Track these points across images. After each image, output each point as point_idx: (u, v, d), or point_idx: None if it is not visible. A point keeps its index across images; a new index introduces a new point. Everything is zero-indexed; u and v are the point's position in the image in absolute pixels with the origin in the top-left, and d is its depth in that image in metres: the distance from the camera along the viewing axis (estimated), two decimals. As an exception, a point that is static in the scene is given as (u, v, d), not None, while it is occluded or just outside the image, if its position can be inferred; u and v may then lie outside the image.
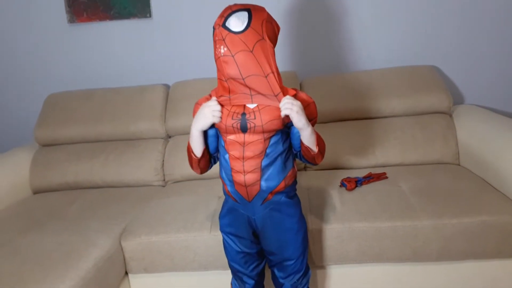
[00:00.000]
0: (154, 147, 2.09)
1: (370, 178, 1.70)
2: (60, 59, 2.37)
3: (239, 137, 1.12)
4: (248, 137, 1.12)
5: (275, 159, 1.15)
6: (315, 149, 1.14)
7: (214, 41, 1.07)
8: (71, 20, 2.28)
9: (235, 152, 1.14)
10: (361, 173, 1.80)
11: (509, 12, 2.12)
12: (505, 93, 2.24)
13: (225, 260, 1.43)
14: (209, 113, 1.10)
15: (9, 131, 2.51)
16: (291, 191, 1.23)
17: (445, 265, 1.45)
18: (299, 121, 1.06)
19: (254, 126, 1.09)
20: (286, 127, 1.15)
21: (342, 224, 1.45)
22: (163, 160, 2.06)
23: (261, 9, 1.08)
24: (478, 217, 1.39)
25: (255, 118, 1.09)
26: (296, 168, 1.24)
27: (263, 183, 1.15)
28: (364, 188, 1.65)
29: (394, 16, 2.17)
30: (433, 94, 1.99)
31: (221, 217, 1.29)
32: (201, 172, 1.25)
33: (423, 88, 2.01)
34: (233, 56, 1.04)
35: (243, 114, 1.09)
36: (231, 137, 1.13)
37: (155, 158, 2.05)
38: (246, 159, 1.13)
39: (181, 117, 2.09)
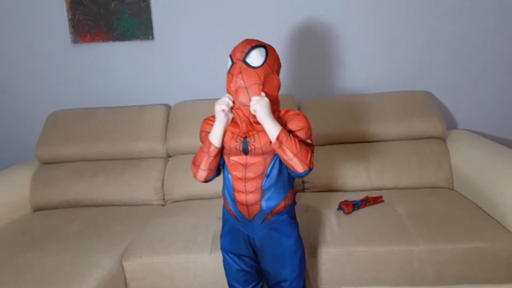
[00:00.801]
0: (154, 166, 2.12)
1: (367, 202, 1.75)
2: (63, 78, 2.41)
3: (241, 158, 1.21)
4: (249, 159, 1.20)
5: (276, 180, 1.22)
6: (273, 140, 1.14)
7: (231, 73, 1.17)
8: (75, 41, 2.33)
9: (237, 173, 1.21)
10: (357, 196, 1.84)
11: (501, 39, 2.20)
12: (496, 119, 2.31)
13: (224, 282, 1.46)
14: (216, 106, 1.17)
15: (10, 147, 2.53)
16: (290, 211, 1.28)
17: (439, 289, 1.48)
18: (259, 112, 1.12)
19: (254, 148, 1.18)
20: None
21: (340, 247, 1.48)
22: (163, 180, 2.09)
23: (273, 48, 1.21)
24: (472, 243, 1.44)
25: (254, 141, 1.18)
26: (295, 189, 1.29)
27: (263, 203, 1.22)
28: (361, 211, 1.69)
29: (389, 43, 2.25)
30: (427, 119, 2.05)
31: (222, 235, 1.33)
32: (206, 178, 1.25)
33: (418, 113, 2.07)
34: (247, 88, 1.14)
35: (245, 137, 1.18)
36: (234, 158, 1.22)
37: (155, 178, 2.08)
38: (248, 179, 1.21)
39: (182, 137, 2.13)
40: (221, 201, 1.88)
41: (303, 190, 2.03)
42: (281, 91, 2.23)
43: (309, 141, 1.20)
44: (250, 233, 1.26)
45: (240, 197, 1.22)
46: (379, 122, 2.06)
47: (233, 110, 1.18)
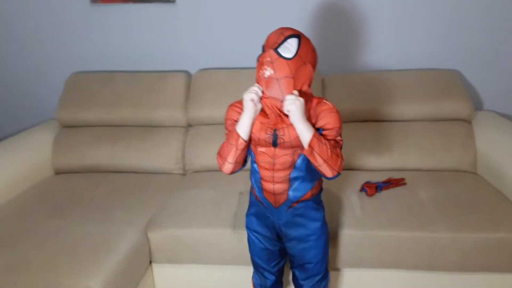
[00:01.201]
0: (174, 135, 2.11)
1: (389, 184, 1.74)
2: (82, 38, 2.35)
3: (270, 150, 1.18)
4: (278, 151, 1.17)
5: (304, 171, 1.20)
6: (305, 146, 1.11)
7: (261, 62, 1.10)
8: (94, 0, 2.25)
9: (265, 163, 1.19)
10: (379, 177, 1.84)
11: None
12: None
13: (247, 257, 1.49)
14: (245, 97, 1.11)
15: (29, 107, 2.53)
16: (316, 199, 1.28)
17: (460, 275, 1.51)
18: (293, 114, 1.08)
19: (284, 142, 1.15)
20: None
21: (362, 231, 1.49)
22: (184, 149, 2.09)
23: (307, 39, 1.14)
24: (496, 233, 1.44)
25: (284, 134, 1.14)
26: (322, 178, 1.27)
27: (290, 193, 1.21)
28: (384, 194, 1.69)
29: (418, 18, 2.16)
30: (454, 101, 2.00)
31: (248, 215, 1.34)
32: (233, 171, 1.21)
33: (444, 94, 2.02)
34: (278, 80, 1.09)
35: (275, 130, 1.14)
36: (261, 149, 1.19)
37: (175, 147, 2.08)
38: (276, 170, 1.19)
39: (203, 107, 2.11)
40: (241, 174, 1.90)
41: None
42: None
43: (338, 138, 1.17)
44: (275, 219, 1.26)
45: (268, 186, 1.21)
46: (404, 101, 2.02)
47: (262, 100, 1.13)
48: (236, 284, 1.60)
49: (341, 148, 1.17)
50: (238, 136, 1.15)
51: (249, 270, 1.55)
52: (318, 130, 1.14)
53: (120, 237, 1.47)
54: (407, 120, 2.04)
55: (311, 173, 1.20)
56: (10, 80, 2.49)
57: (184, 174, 2.08)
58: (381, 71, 2.19)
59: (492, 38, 2.16)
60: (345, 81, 2.12)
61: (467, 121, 2.04)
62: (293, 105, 1.06)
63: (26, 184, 1.95)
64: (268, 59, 1.08)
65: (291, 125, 1.12)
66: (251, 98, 1.10)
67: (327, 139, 1.13)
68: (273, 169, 1.18)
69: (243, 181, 1.86)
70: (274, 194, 1.21)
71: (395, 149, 1.95)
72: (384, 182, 1.76)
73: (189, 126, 2.18)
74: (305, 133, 1.09)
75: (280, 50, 1.08)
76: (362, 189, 1.71)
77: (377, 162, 1.95)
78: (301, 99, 1.08)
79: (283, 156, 1.17)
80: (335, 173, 1.13)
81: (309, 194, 1.23)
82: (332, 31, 2.21)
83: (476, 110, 2.20)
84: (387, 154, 1.96)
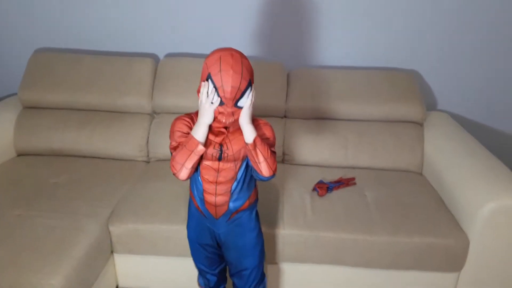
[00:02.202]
0: (139, 123, 2.15)
1: (340, 184, 1.87)
2: (46, 13, 2.29)
3: (214, 164, 1.27)
4: (222, 165, 1.27)
5: (243, 182, 1.31)
6: (249, 141, 1.21)
7: (221, 113, 1.17)
8: (60, -24, 2.18)
9: (209, 176, 1.28)
10: (333, 174, 1.97)
11: (495, 20, 2.20)
12: (478, 104, 2.40)
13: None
14: (207, 104, 1.17)
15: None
16: (253, 207, 1.40)
17: (393, 272, 1.68)
18: (244, 115, 1.19)
19: (227, 156, 1.25)
20: None
21: (311, 231, 1.63)
22: (148, 137, 2.13)
23: (251, 69, 1.21)
24: (427, 238, 1.60)
25: (228, 149, 1.25)
26: (257, 187, 1.41)
27: (231, 204, 1.33)
28: (334, 194, 1.82)
29: (384, 19, 2.23)
30: (409, 104, 2.12)
31: (188, 228, 1.44)
32: (188, 176, 1.24)
33: (401, 96, 2.13)
34: (234, 121, 1.21)
35: (221, 145, 1.24)
36: (207, 163, 1.27)
37: (140, 135, 2.13)
38: (219, 183, 1.29)
39: (168, 96, 2.15)
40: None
41: (283, 161, 2.13)
42: (271, 59, 2.24)
43: (273, 149, 1.28)
44: (216, 229, 1.36)
45: (210, 198, 1.30)
46: (362, 101, 2.13)
47: (217, 114, 1.19)
48: (192, 273, 1.72)
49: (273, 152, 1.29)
50: (198, 143, 1.20)
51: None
52: None
53: (82, 232, 1.54)
54: (363, 119, 2.15)
55: (248, 182, 1.33)
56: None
57: (147, 162, 2.14)
58: (346, 67, 2.28)
59: (451, 38, 2.26)
60: (309, 76, 2.19)
61: (419, 124, 2.17)
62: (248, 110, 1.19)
63: (-12, 165, 1.96)
64: (228, 111, 1.17)
65: (234, 139, 1.24)
66: (214, 107, 1.17)
67: None
68: (216, 182, 1.28)
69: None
70: (215, 206, 1.31)
71: (350, 148, 2.08)
72: (336, 182, 1.89)
73: (154, 113, 2.22)
74: (250, 133, 1.20)
75: (239, 104, 1.18)
76: (315, 189, 1.83)
77: (332, 160, 2.08)
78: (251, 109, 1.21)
79: (227, 169, 1.27)
80: (272, 173, 1.24)
81: (246, 204, 1.35)
82: (296, 25, 2.25)
83: (431, 110, 2.34)
84: (342, 152, 2.08)
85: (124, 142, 2.10)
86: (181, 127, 1.26)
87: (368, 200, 1.80)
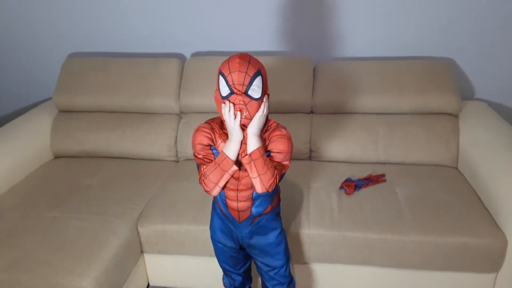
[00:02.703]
0: (168, 123, 2.18)
1: (369, 181, 1.82)
2: (76, 19, 2.37)
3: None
4: (242, 173, 1.26)
5: None
6: (245, 161, 1.19)
7: (231, 101, 1.16)
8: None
9: (230, 184, 1.28)
10: (362, 170, 1.92)
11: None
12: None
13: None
14: (231, 122, 1.18)
15: (24, 89, 2.61)
16: (276, 210, 1.39)
17: (423, 272, 1.62)
18: (253, 126, 1.18)
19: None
20: None
21: (338, 231, 1.60)
22: (176, 137, 2.17)
23: (263, 67, 1.20)
24: (460, 238, 1.53)
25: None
26: (280, 190, 1.40)
27: (253, 209, 1.32)
28: (362, 192, 1.77)
29: (413, 3, 2.12)
30: (443, 95, 2.02)
31: (212, 229, 1.45)
32: (219, 192, 1.26)
33: (434, 87, 2.03)
34: (251, 119, 1.18)
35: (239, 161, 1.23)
36: None
37: (168, 135, 2.16)
38: (240, 191, 1.28)
39: (195, 95, 2.16)
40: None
41: (310, 158, 2.10)
42: (298, 53, 2.20)
43: (286, 162, 1.25)
44: (238, 232, 1.36)
45: (232, 204, 1.30)
46: (392, 93, 2.04)
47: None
48: (220, 273, 1.74)
49: (283, 172, 1.26)
50: (232, 164, 1.20)
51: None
52: (267, 152, 1.23)
53: (112, 233, 1.59)
54: (394, 113, 2.07)
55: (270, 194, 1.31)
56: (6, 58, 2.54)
57: (177, 161, 2.17)
58: (375, 57, 2.21)
59: (488, 25, 2.13)
60: (337, 69, 2.14)
61: (454, 115, 2.06)
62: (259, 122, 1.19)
63: (29, 168, 2.07)
64: (242, 102, 1.15)
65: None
66: (241, 124, 1.17)
67: (272, 160, 1.22)
68: (237, 190, 1.28)
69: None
70: (238, 211, 1.31)
71: (380, 143, 2.01)
72: (364, 179, 1.84)
73: (182, 113, 2.24)
74: (252, 145, 1.19)
75: (250, 93, 1.16)
76: (342, 188, 1.79)
77: (361, 155, 2.02)
78: (264, 118, 1.21)
79: (246, 177, 1.25)
80: (265, 190, 1.21)
81: (269, 208, 1.34)
82: (325, 17, 2.19)
83: (467, 100, 2.22)
84: (372, 147, 2.01)
85: (153, 142, 2.14)
86: (202, 139, 1.25)
87: (398, 197, 1.74)
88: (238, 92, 1.15)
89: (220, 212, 1.37)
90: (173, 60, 2.24)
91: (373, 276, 1.66)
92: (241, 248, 1.43)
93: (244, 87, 1.15)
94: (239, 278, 1.51)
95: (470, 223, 1.58)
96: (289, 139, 1.24)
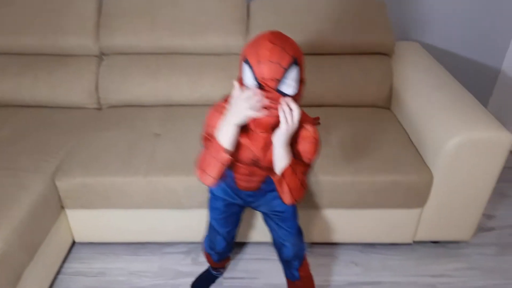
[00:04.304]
0: (86, 67, 1.97)
1: (303, 124, 1.77)
2: None
3: (248, 167, 1.13)
4: (256, 169, 1.14)
5: None
6: (277, 171, 1.06)
7: (267, 101, 0.96)
8: None
9: (241, 173, 1.16)
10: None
11: None
12: (450, 31, 2.27)
13: (159, 201, 1.55)
14: (246, 108, 0.95)
15: None
16: None
17: (356, 211, 1.65)
18: (279, 137, 1.00)
19: (261, 166, 1.11)
20: None
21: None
22: (97, 82, 1.96)
23: (298, 49, 0.97)
24: (390, 176, 1.56)
25: (261, 160, 1.10)
26: None
27: (263, 186, 1.21)
28: (297, 135, 1.73)
29: None
30: (377, 34, 1.97)
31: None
32: (215, 183, 1.10)
33: (369, 27, 1.97)
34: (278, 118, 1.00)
35: (256, 159, 1.09)
36: (240, 164, 1.13)
37: (88, 80, 1.95)
38: (252, 176, 1.16)
39: (117, 34, 1.95)
40: (160, 110, 1.85)
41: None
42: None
43: (307, 168, 1.12)
44: (243, 196, 1.26)
45: (242, 184, 1.19)
46: (328, 33, 1.96)
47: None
48: (149, 225, 1.67)
49: (307, 172, 1.14)
50: (222, 149, 1.02)
51: (160, 212, 1.61)
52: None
53: (24, 189, 1.43)
54: (328, 53, 2.01)
55: None
56: None
57: (99, 109, 1.98)
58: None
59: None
60: (272, 7, 2.00)
61: (388, 55, 2.04)
62: (284, 124, 0.97)
63: None
64: (272, 102, 0.95)
65: (268, 150, 1.06)
66: (255, 115, 0.96)
67: (299, 165, 1.08)
68: (249, 176, 1.16)
69: (159, 121, 1.83)
70: (246, 187, 1.21)
71: (317, 85, 1.95)
72: (299, 122, 1.79)
73: (102, 55, 2.02)
74: (281, 160, 1.03)
75: (283, 89, 0.95)
76: (276, 131, 1.73)
77: (296, 98, 1.96)
78: (295, 122, 0.98)
79: (262, 172, 1.14)
80: (293, 202, 1.09)
81: None
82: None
83: (402, 40, 2.21)
84: (310, 89, 1.94)
85: (71, 88, 1.93)
86: (214, 120, 1.06)
87: (332, 139, 1.72)
88: (267, 89, 0.94)
89: (225, 183, 1.25)
90: (88, -6, 1.98)
91: (307, 217, 1.66)
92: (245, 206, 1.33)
93: (276, 83, 0.93)
94: (222, 243, 1.40)
95: (400, 162, 1.60)
96: (318, 142, 1.08)
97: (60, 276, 1.65)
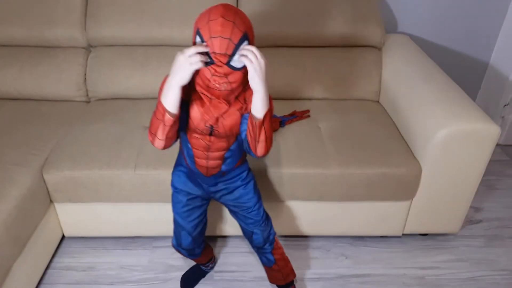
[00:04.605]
0: (73, 59, 1.94)
1: (293, 117, 1.78)
2: None
3: (205, 138, 1.14)
4: (213, 139, 1.15)
5: (237, 150, 1.21)
6: (258, 116, 1.04)
7: (213, 70, 0.98)
8: None
9: (199, 147, 1.16)
10: (287, 106, 1.87)
11: None
12: (439, 24, 2.28)
13: (148, 194, 1.54)
14: (186, 62, 0.96)
15: None
16: (244, 161, 1.31)
17: (346, 204, 1.66)
18: (253, 79, 0.99)
19: (218, 133, 1.13)
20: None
21: (262, 167, 1.55)
22: (85, 75, 1.93)
23: (249, 23, 1.00)
24: (380, 168, 1.56)
25: (218, 126, 1.11)
26: None
27: (223, 167, 1.22)
28: (287, 128, 1.73)
29: None
30: (367, 27, 1.97)
31: (174, 175, 1.31)
32: (165, 146, 1.11)
33: (359, 19, 1.97)
34: (232, 90, 1.03)
35: (212, 126, 1.10)
36: (196, 135, 1.14)
37: (76, 72, 1.93)
38: (211, 151, 1.17)
39: (105, 25, 1.92)
40: (148, 103, 1.83)
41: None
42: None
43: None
44: (205, 184, 1.27)
45: (201, 163, 1.20)
46: (319, 26, 1.95)
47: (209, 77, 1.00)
48: (139, 219, 1.66)
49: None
50: (164, 110, 1.02)
51: (151, 206, 1.61)
52: (245, 114, 1.10)
53: (11, 183, 1.41)
54: (319, 46, 2.00)
55: (241, 147, 1.22)
56: None
57: (87, 102, 1.96)
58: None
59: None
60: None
61: (378, 48, 2.04)
62: (251, 65, 0.96)
63: None
64: (221, 73, 0.98)
65: (225, 113, 1.08)
66: (196, 67, 0.96)
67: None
68: (207, 151, 1.16)
69: (148, 113, 1.80)
70: (207, 167, 1.21)
71: (307, 78, 1.95)
72: (289, 115, 1.79)
73: (90, 47, 1.99)
74: (264, 104, 1.02)
75: (233, 63, 0.98)
76: (266, 124, 1.73)
77: (287, 91, 1.96)
78: (261, 60, 0.97)
79: (218, 143, 1.15)
80: (265, 153, 1.11)
81: (239, 162, 1.26)
82: None
83: (391, 33, 2.21)
84: (298, 83, 1.95)
85: (58, 80, 1.90)
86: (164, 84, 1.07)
87: (321, 132, 1.72)
88: (219, 63, 0.97)
89: (186, 167, 1.26)
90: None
91: (297, 210, 1.67)
92: (208, 198, 1.34)
93: (227, 58, 0.96)
94: (187, 238, 1.36)
95: (389, 155, 1.61)
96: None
97: (49, 271, 1.63)
